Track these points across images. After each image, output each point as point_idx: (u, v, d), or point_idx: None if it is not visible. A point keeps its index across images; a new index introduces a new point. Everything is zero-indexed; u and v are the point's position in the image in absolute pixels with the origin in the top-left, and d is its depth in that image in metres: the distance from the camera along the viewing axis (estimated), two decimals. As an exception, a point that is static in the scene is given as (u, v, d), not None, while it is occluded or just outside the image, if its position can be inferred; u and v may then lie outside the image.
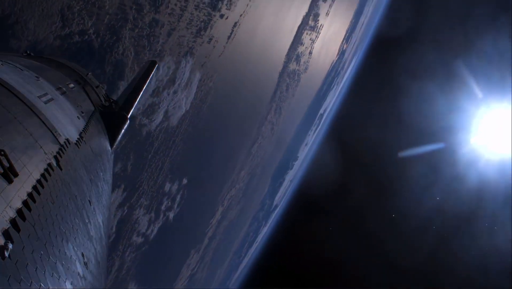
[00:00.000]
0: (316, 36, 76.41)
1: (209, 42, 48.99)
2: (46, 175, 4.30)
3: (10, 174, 3.48)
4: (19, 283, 2.58)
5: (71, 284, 3.60)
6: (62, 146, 5.81)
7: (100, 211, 6.89)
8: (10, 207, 3.13)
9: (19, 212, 3.21)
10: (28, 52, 13.00)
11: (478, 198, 43.84)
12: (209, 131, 58.24)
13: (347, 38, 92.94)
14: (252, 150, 75.22)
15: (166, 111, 46.80)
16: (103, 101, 13.51)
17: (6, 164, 3.48)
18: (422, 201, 47.79)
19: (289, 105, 79.34)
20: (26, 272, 2.75)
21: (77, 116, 8.68)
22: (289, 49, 71.82)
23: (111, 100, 14.75)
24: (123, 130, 13.13)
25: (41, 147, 4.85)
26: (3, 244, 2.65)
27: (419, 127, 53.21)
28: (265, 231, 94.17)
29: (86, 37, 30.86)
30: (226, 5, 48.42)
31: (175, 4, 39.93)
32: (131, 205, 47.09)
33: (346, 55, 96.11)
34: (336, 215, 66.30)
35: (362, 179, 65.36)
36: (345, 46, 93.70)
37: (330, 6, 76.03)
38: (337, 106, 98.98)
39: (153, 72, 17.49)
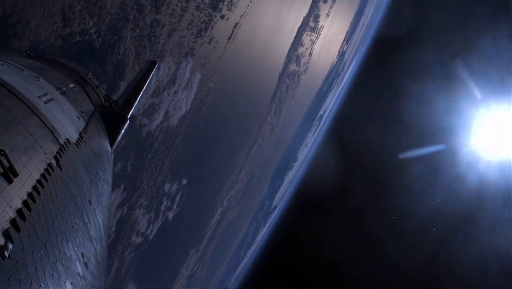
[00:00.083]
0: (317, 37, 76.54)
1: (209, 42, 49.08)
2: (46, 175, 4.31)
3: (10, 174, 3.48)
4: (19, 283, 2.59)
5: (71, 284, 3.60)
6: (62, 146, 5.82)
7: (100, 211, 6.89)
8: (10, 207, 3.13)
9: (19, 212, 3.21)
10: (28, 52, 13.02)
11: (478, 199, 43.91)
12: (209, 132, 58.30)
13: (347, 39, 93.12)
14: (252, 151, 75.28)
15: (167, 112, 46.85)
16: (103, 101, 13.52)
17: (6, 164, 3.49)
18: (422, 202, 47.85)
19: (289, 106, 79.44)
20: (26, 272, 2.75)
21: (77, 116, 8.68)
22: (289, 50, 71.95)
23: (111, 100, 14.77)
24: (123, 131, 13.13)
25: (41, 147, 4.86)
26: (3, 244, 2.66)
27: (419, 128, 53.31)
28: (264, 231, 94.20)
29: (87, 37, 30.92)
30: (227, 6, 48.51)
31: (176, 5, 40.00)
32: (130, 205, 47.10)
33: (346, 56, 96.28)
34: (335, 215, 66.33)
35: (361, 180, 65.42)
36: (345, 47, 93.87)
37: (331, 7, 76.20)
38: (337, 108, 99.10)
39: (153, 72, 17.51)
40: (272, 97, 73.85)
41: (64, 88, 9.31)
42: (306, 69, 78.38)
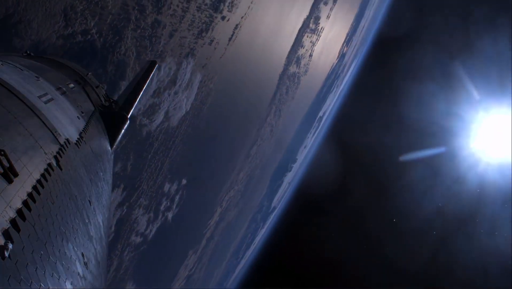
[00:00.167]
0: (317, 39, 76.72)
1: (210, 43, 49.17)
2: (46, 175, 4.31)
3: (10, 174, 3.49)
4: (19, 283, 2.59)
5: (71, 284, 3.60)
6: (62, 146, 5.83)
7: (100, 211, 6.89)
8: (10, 207, 3.14)
9: (19, 212, 3.22)
10: (28, 52, 13.03)
11: (478, 200, 43.96)
12: (209, 133, 58.31)
13: (348, 41, 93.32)
14: (251, 152, 75.27)
15: (167, 112, 46.88)
16: (103, 101, 13.53)
17: (6, 164, 3.49)
18: (422, 202, 47.86)
19: (288, 108, 79.52)
20: (26, 272, 2.75)
21: (77, 116, 8.69)
22: (290, 51, 72.08)
23: (111, 100, 14.78)
24: (123, 131, 13.13)
25: (41, 147, 4.86)
26: (3, 244, 2.66)
27: (419, 129, 53.38)
28: (263, 232, 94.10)
29: (89, 37, 30.98)
30: (228, 7, 48.63)
31: (177, 6, 40.10)
32: (130, 205, 47.06)
33: (346, 58, 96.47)
34: (335, 215, 66.32)
35: (361, 180, 65.44)
36: (345, 49, 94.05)
37: (331, 9, 76.41)
38: (337, 109, 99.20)
39: (153, 72, 17.51)
40: (272, 98, 73.98)
41: (64, 88, 9.31)
42: (306, 71, 78.54)
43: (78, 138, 7.35)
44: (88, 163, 7.26)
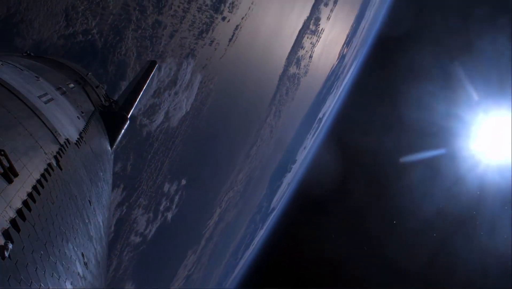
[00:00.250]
0: (317, 40, 76.84)
1: (210, 44, 49.23)
2: (46, 175, 4.31)
3: (10, 174, 3.49)
4: (19, 283, 2.60)
5: (71, 284, 3.61)
6: (62, 146, 5.83)
7: (100, 211, 6.90)
8: (10, 207, 3.14)
9: (19, 212, 3.22)
10: (28, 52, 13.04)
11: (478, 202, 43.98)
12: (209, 133, 58.34)
13: (348, 42, 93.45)
14: (251, 152, 75.27)
15: (167, 112, 46.90)
16: (103, 101, 13.54)
17: (6, 164, 3.50)
18: (422, 203, 47.88)
19: (288, 109, 79.56)
20: (26, 272, 2.76)
21: (77, 116, 8.70)
22: (290, 52, 72.16)
23: (111, 100, 14.79)
24: (123, 131, 13.15)
25: (41, 147, 4.87)
26: (3, 244, 2.66)
27: (419, 131, 53.45)
28: (262, 233, 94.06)
29: (90, 37, 31.03)
30: (228, 8, 48.71)
31: (178, 6, 40.16)
32: (130, 205, 47.04)
33: (346, 59, 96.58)
34: (334, 217, 66.33)
35: (361, 181, 65.48)
36: (345, 50, 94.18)
37: (332, 10, 76.54)
38: (337, 110, 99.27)
39: (153, 72, 17.52)
40: (272, 99, 74.03)
41: (64, 88, 9.32)
42: (306, 72, 78.62)
43: (78, 138, 7.36)
44: (88, 163, 7.27)
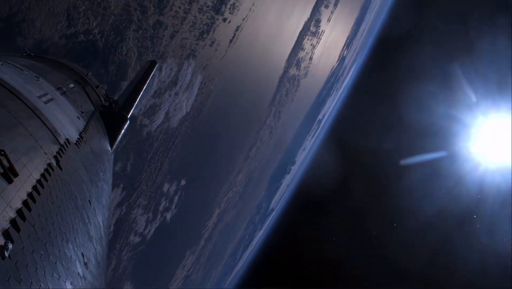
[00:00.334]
0: (317, 41, 76.98)
1: (211, 45, 49.31)
2: (46, 175, 4.32)
3: (10, 174, 3.50)
4: (19, 283, 2.60)
5: (71, 284, 3.61)
6: (62, 146, 5.84)
7: (100, 211, 6.90)
8: (10, 207, 3.15)
9: (19, 212, 3.23)
10: (28, 52, 13.07)
11: (478, 204, 44.00)
12: (209, 134, 58.37)
13: (348, 44, 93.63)
14: (250, 153, 75.27)
15: (167, 113, 46.94)
16: (103, 101, 13.55)
17: (6, 164, 3.50)
18: (421, 204, 47.88)
19: (288, 110, 79.62)
20: (26, 272, 2.76)
21: (77, 116, 8.71)
22: (290, 54, 72.28)
23: (111, 100, 14.81)
24: (123, 131, 13.16)
25: (41, 147, 4.87)
26: (3, 244, 2.67)
27: (419, 133, 53.53)
28: (261, 234, 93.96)
29: (91, 37, 31.10)
30: (229, 9, 48.83)
31: (179, 7, 40.25)
32: (129, 205, 47.01)
33: (346, 61, 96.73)
34: (333, 217, 66.33)
35: (360, 182, 65.50)
36: (345, 52, 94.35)
37: (332, 12, 76.73)
38: (336, 112, 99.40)
39: (153, 72, 17.54)
40: (272, 100, 74.09)
41: (64, 88, 9.33)
42: (306, 74, 78.73)
43: (78, 138, 7.36)
44: (88, 163, 7.27)
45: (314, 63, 79.86)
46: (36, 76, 8.16)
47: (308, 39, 74.44)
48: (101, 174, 8.32)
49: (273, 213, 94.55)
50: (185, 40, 44.11)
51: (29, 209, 3.43)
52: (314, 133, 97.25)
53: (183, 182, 56.05)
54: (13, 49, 24.73)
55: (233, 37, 53.44)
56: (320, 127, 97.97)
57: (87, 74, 13.43)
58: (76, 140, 7.07)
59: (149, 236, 52.61)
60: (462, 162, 47.64)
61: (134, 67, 35.51)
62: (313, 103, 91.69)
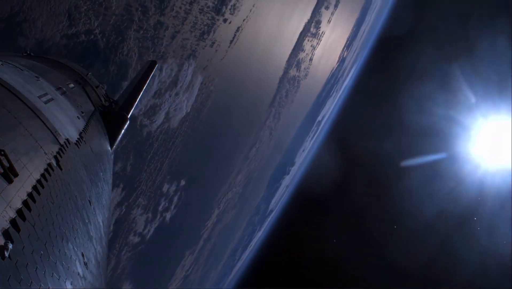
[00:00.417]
0: (317, 43, 77.08)
1: (211, 46, 49.37)
2: (46, 175, 4.32)
3: (10, 174, 3.50)
4: (19, 283, 2.60)
5: (71, 284, 3.61)
6: (62, 146, 5.84)
7: (100, 211, 6.90)
8: (10, 207, 3.15)
9: (19, 212, 3.23)
10: (28, 52, 13.08)
11: (478, 206, 44.01)
12: (209, 134, 58.40)
13: (348, 45, 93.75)
14: (250, 154, 75.29)
15: (167, 113, 46.98)
16: (103, 101, 13.57)
17: (6, 164, 3.50)
18: (421, 205, 47.87)
19: (288, 111, 79.67)
20: (26, 272, 2.77)
21: (77, 116, 8.72)
22: (290, 55, 72.37)
23: (111, 100, 14.83)
24: (123, 131, 13.17)
25: (41, 147, 4.88)
26: (3, 244, 2.67)
27: (419, 134, 53.54)
28: (260, 235, 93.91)
29: (92, 37, 31.15)
30: (230, 10, 48.91)
31: (180, 7, 40.32)
32: (129, 204, 47.01)
33: (346, 62, 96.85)
34: (332, 218, 66.31)
35: (359, 184, 65.51)
36: (345, 53, 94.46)
37: (332, 13, 76.86)
38: (336, 113, 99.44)
39: (153, 72, 17.55)
40: (272, 101, 74.16)
41: (64, 88, 9.34)
42: (306, 75, 78.81)
43: (78, 138, 7.37)
44: (88, 163, 7.28)
45: (314, 64, 79.98)
46: (36, 76, 8.17)
47: (308, 40, 74.55)
48: (101, 174, 8.32)
49: (272, 214, 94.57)
50: (186, 40, 44.18)
51: (29, 209, 3.43)
52: (314, 135, 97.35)
53: (182, 182, 56.09)
54: (15, 49, 24.77)
55: (234, 38, 53.53)
56: (319, 129, 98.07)
57: (87, 74, 13.45)
58: (76, 140, 7.07)
59: (148, 236, 52.62)
60: (462, 163, 47.69)
61: (135, 67, 35.54)
62: (313, 104, 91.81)
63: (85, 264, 4.39)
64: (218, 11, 46.98)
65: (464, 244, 42.68)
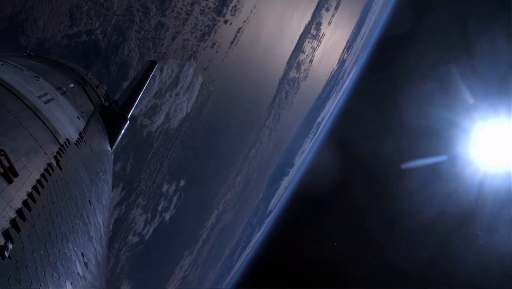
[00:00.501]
0: (318, 44, 77.21)
1: (212, 46, 49.45)
2: (46, 175, 4.33)
3: (10, 174, 3.50)
4: (19, 283, 2.61)
5: (71, 284, 3.62)
6: (62, 146, 5.85)
7: (100, 211, 6.91)
8: (10, 207, 3.16)
9: (19, 212, 3.24)
10: (28, 52, 13.08)
11: (478, 206, 43.98)
12: (208, 135, 58.44)
13: (348, 47, 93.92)
14: (250, 155, 75.28)
15: (168, 113, 47.01)
16: (103, 101, 13.57)
17: (6, 164, 3.51)
18: (421, 206, 47.83)
19: (287, 112, 79.75)
20: (26, 272, 2.78)
21: (77, 116, 8.73)
22: (290, 56, 72.50)
23: (111, 100, 14.83)
24: (123, 131, 13.17)
25: (41, 147, 4.88)
26: (3, 244, 2.68)
27: (419, 136, 53.55)
28: (259, 236, 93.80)
29: (93, 37, 31.19)
30: (231, 11, 49.02)
31: (181, 8, 40.41)
32: (128, 204, 46.97)
33: (346, 64, 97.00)
34: (331, 219, 66.27)
35: (359, 184, 65.50)
36: (345, 55, 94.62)
37: (333, 15, 77.04)
38: (336, 115, 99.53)
39: (153, 72, 17.56)
40: (272, 102, 74.25)
41: (64, 88, 9.35)
42: (306, 76, 78.92)
43: (78, 138, 7.38)
44: (88, 163, 7.28)
45: (314, 66, 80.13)
46: (36, 76, 8.18)
47: (308, 42, 74.69)
48: (101, 174, 8.33)
49: (271, 215, 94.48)
50: (187, 41, 44.25)
51: (29, 209, 3.44)
52: (313, 136, 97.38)
53: (182, 183, 56.06)
54: (16, 48, 24.80)
55: (234, 39, 53.63)
56: (319, 130, 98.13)
57: (87, 74, 13.46)
58: (76, 140, 7.08)
59: (147, 236, 52.55)
60: (462, 165, 47.67)
61: (136, 67, 35.58)
62: (312, 105, 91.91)
63: (85, 264, 4.39)
64: (219, 12, 47.08)
65: (464, 245, 42.66)
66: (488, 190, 43.31)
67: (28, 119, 5.29)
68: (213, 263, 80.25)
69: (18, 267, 2.70)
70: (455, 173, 48.53)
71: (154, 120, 45.14)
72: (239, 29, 53.49)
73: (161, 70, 42.24)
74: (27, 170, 3.96)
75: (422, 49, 60.84)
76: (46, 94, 7.46)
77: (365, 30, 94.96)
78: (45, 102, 6.97)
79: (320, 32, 75.37)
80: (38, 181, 4.01)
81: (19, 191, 3.49)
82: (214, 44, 49.46)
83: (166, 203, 54.90)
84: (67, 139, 6.41)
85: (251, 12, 54.76)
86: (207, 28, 46.17)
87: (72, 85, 10.66)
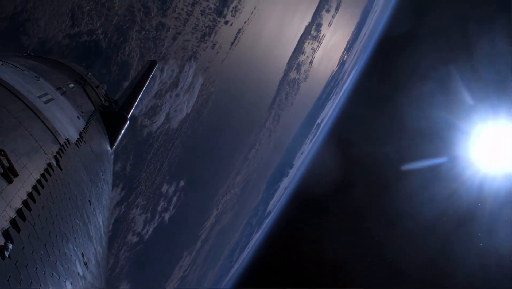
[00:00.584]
0: (318, 45, 77.29)
1: (212, 47, 49.53)
2: (46, 175, 4.33)
3: (10, 174, 3.50)
4: (19, 283, 2.61)
5: (71, 284, 3.62)
6: (62, 146, 5.85)
7: (100, 211, 6.91)
8: (10, 207, 3.16)
9: (19, 212, 3.24)
10: (28, 52, 13.09)
11: (477, 208, 43.96)
12: (208, 135, 58.47)
13: (348, 48, 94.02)
14: (249, 156, 75.30)
15: (168, 114, 47.04)
16: (103, 101, 13.57)
17: (6, 164, 3.51)
18: (421, 206, 47.82)
19: (287, 113, 79.79)
20: (26, 272, 2.78)
21: (77, 116, 8.73)
22: (291, 57, 72.58)
23: (111, 100, 14.84)
24: (123, 131, 13.17)
25: (41, 147, 4.89)
26: (3, 244, 2.69)
27: (419, 137, 53.58)
28: (258, 236, 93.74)
29: (94, 37, 31.24)
30: (232, 12, 49.10)
31: (182, 9, 40.47)
32: (128, 204, 46.97)
33: (346, 65, 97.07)
34: (331, 219, 66.25)
35: (359, 185, 65.51)
36: (345, 56, 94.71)
37: (333, 16, 77.16)
38: (335, 116, 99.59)
39: (153, 72, 17.56)
40: (272, 103, 74.29)
41: (64, 88, 9.35)
42: (306, 77, 78.99)
43: (78, 138, 7.38)
44: (88, 163, 7.28)
45: (314, 67, 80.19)
46: (36, 76, 8.19)
47: (309, 43, 74.78)
48: (101, 174, 8.33)
49: (271, 216, 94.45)
50: (187, 42, 44.31)
51: (29, 209, 3.44)
52: (313, 137, 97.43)
53: (182, 183, 56.06)
54: (18, 48, 24.83)
55: (235, 39, 53.70)
56: (319, 131, 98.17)
57: (87, 74, 13.48)
58: (76, 140, 7.08)
59: (147, 236, 52.52)
60: (462, 166, 47.65)
61: (136, 67, 35.62)
62: (312, 106, 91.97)
63: (85, 264, 4.39)
64: (219, 13, 47.16)
65: (464, 246, 42.65)
66: (488, 191, 43.33)
67: (28, 120, 5.30)
68: (212, 264, 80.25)
69: (18, 267, 2.71)
70: (455, 174, 48.54)
71: (154, 121, 45.18)
72: (239, 30, 53.58)
73: (162, 70, 42.28)
74: (27, 170, 3.97)
75: (422, 50, 60.93)
76: (46, 94, 7.47)
77: (365, 31, 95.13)
78: (45, 102, 6.97)
79: (320, 33, 75.49)
80: (38, 181, 4.01)
81: (19, 191, 3.49)
82: (214, 45, 49.54)
83: (166, 203, 54.92)
84: (67, 140, 6.41)
85: (252, 13, 54.86)
86: (207, 29, 46.24)
87: (72, 85, 10.67)
